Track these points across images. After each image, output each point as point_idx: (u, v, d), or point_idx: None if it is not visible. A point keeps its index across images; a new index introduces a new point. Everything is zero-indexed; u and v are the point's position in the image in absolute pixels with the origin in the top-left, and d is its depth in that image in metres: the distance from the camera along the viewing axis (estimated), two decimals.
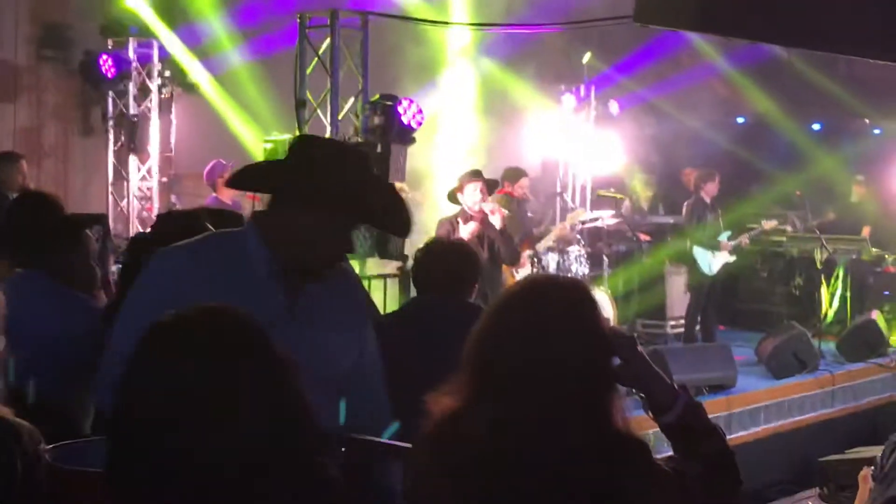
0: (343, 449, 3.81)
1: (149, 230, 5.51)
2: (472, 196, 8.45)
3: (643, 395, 2.27)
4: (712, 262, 11.02)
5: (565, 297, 2.23)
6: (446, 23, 8.56)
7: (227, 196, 9.47)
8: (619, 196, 11.17)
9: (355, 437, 3.73)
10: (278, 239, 2.69)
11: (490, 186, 8.70)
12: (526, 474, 2.09)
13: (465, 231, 8.33)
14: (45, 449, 2.27)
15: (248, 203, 7.97)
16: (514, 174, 10.26)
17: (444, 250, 4.55)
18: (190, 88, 10.86)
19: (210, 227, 4.04)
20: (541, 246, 10.28)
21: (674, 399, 2.26)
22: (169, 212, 4.75)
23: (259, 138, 8.37)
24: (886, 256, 12.49)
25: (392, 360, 4.15)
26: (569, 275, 10.59)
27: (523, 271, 9.63)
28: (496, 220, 8.54)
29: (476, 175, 8.54)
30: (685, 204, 11.25)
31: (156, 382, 1.69)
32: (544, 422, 2.10)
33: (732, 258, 11.23)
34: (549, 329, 2.16)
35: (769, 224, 11.82)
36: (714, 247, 10.98)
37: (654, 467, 2.19)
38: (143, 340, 1.75)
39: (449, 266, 4.37)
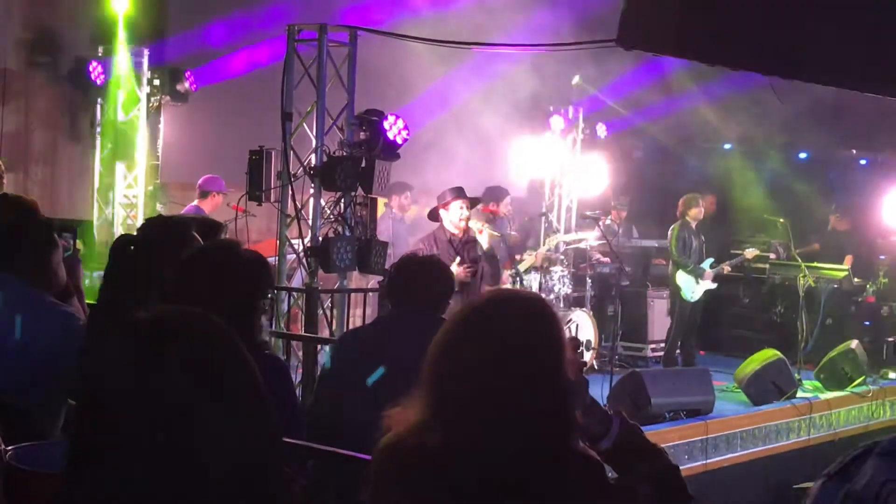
0: (309, 461, 3.84)
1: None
2: (456, 213, 8.44)
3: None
4: (695, 288, 11.12)
5: (524, 310, 2.20)
6: (435, 41, 8.57)
7: (208, 207, 9.53)
8: (600, 218, 11.21)
9: (322, 448, 3.75)
10: None
11: (472, 203, 8.71)
12: (482, 489, 2.06)
13: (483, 240, 8.45)
14: (4, 448, 2.26)
15: (230, 214, 7.98)
16: (498, 193, 10.29)
17: (418, 266, 4.56)
18: (178, 97, 10.84)
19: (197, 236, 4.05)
20: (521, 266, 10.30)
21: (608, 424, 2.24)
22: (159, 216, 4.67)
23: (244, 149, 8.36)
24: (867, 286, 12.55)
25: (364, 374, 4.17)
26: (551, 295, 10.62)
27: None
28: (483, 240, 8.58)
29: (460, 193, 8.53)
30: (670, 228, 11.35)
31: (132, 382, 1.59)
32: (502, 437, 2.06)
33: (714, 285, 11.37)
34: (508, 343, 2.11)
35: (751, 253, 12.00)
36: (698, 274, 11.11)
37: (608, 487, 2.19)
38: (120, 339, 1.65)
39: (422, 282, 4.38)
